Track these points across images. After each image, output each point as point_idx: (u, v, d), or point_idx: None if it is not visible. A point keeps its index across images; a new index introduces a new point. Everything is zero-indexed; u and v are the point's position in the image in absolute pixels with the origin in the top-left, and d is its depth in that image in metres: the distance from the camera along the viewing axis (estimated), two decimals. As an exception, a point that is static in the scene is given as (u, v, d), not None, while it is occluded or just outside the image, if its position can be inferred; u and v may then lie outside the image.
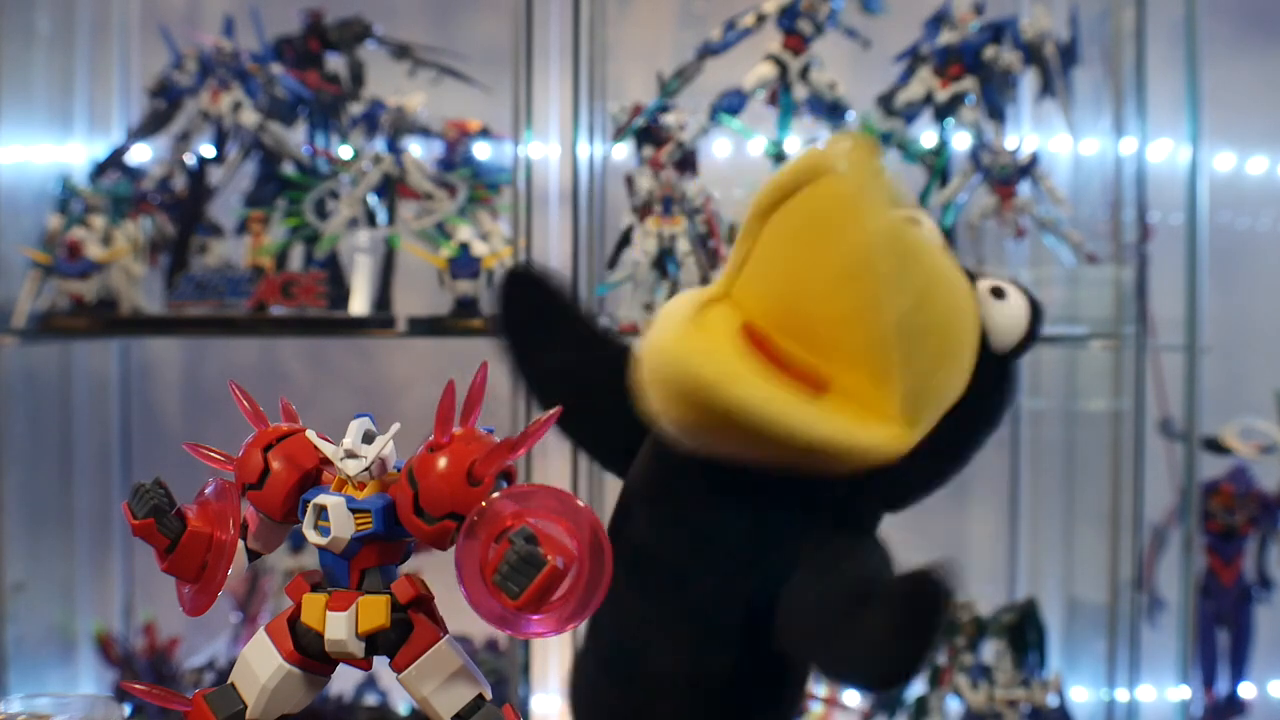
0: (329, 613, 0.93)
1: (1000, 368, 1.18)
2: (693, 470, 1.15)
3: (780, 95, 2.21)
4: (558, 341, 1.27)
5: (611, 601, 0.94)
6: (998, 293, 1.17)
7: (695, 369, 1.06)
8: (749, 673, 1.19)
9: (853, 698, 2.44)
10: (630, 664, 1.21)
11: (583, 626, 1.13)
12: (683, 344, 1.08)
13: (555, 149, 2.52)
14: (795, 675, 1.24)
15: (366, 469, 0.91)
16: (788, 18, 2.17)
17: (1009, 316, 1.17)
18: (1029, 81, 2.38)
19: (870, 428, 1.08)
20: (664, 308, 1.16)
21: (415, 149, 2.32)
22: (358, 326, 2.25)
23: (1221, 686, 2.34)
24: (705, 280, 2.06)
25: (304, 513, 0.93)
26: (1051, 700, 2.20)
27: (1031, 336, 1.19)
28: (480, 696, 0.93)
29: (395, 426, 0.93)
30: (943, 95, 2.22)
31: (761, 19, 2.19)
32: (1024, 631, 2.24)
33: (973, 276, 1.19)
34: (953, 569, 1.06)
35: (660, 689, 1.19)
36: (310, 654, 0.94)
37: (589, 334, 1.29)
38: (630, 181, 2.21)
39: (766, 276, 1.14)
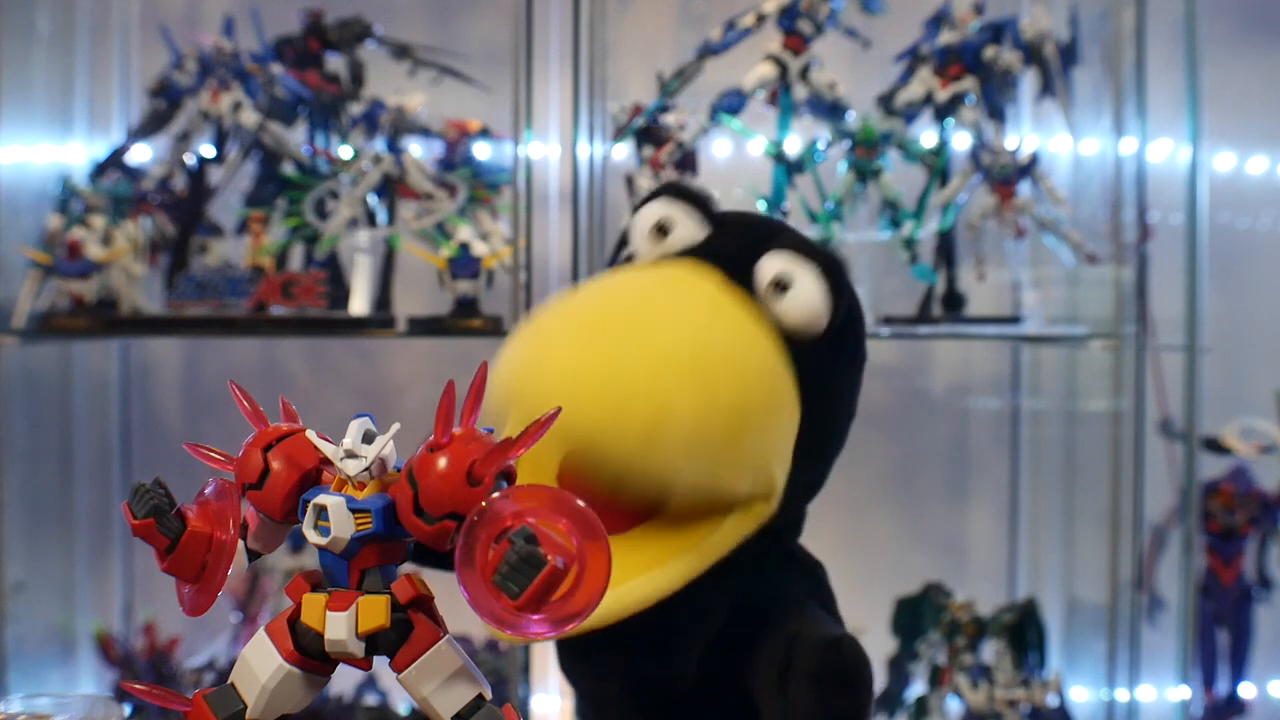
0: (329, 613, 0.93)
1: (821, 352, 1.13)
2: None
3: (780, 95, 2.21)
4: None
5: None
6: (780, 285, 1.11)
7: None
8: None
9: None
10: None
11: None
12: None
13: (555, 149, 2.52)
14: None
15: (366, 469, 0.91)
16: (788, 18, 2.17)
17: (800, 306, 1.11)
18: (1029, 81, 2.38)
19: (743, 522, 1.09)
20: None
21: (415, 149, 2.32)
22: (358, 326, 2.25)
23: (1221, 686, 2.34)
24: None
25: (304, 513, 0.93)
26: (1051, 700, 2.20)
27: (839, 306, 1.12)
28: (480, 696, 0.93)
29: (395, 426, 0.93)
30: (943, 95, 2.23)
31: (761, 19, 2.19)
32: (1024, 631, 2.24)
33: (777, 243, 1.13)
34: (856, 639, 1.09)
35: None
36: (310, 654, 0.94)
37: None
38: (630, 181, 2.21)
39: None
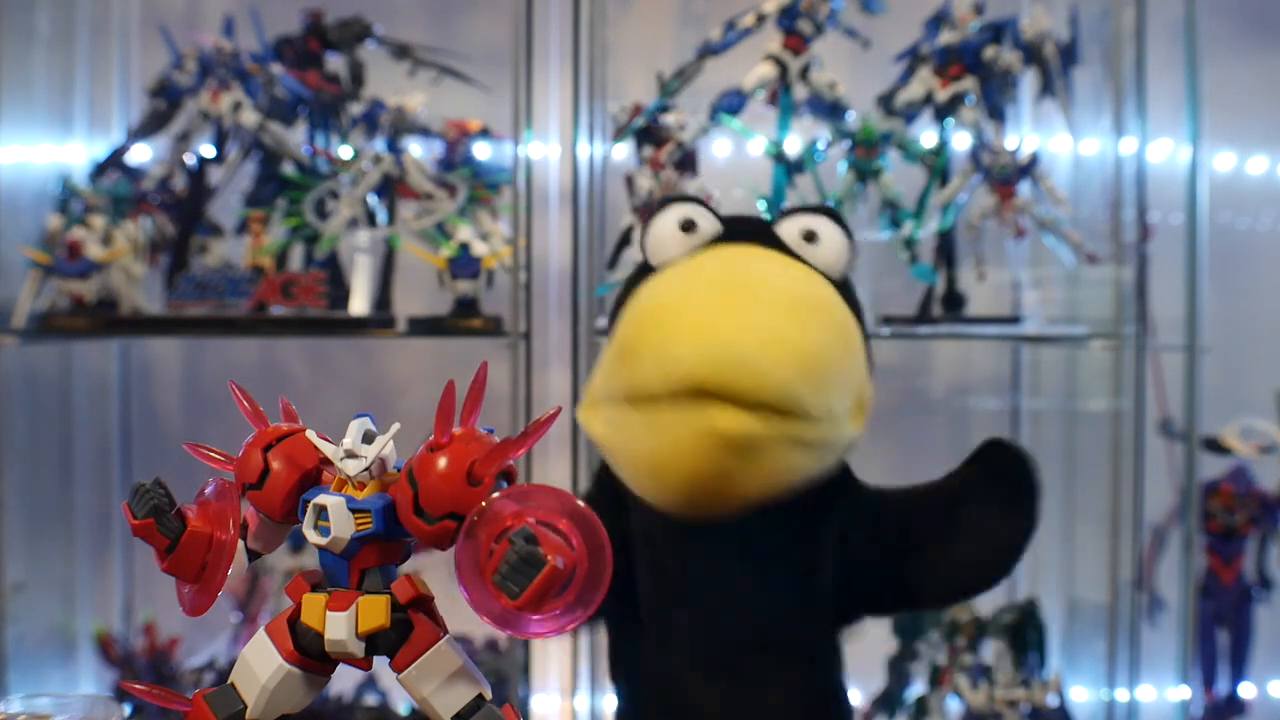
0: (329, 613, 0.93)
1: (848, 287, 1.29)
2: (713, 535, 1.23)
3: (780, 95, 2.21)
4: None
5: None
6: (809, 236, 1.28)
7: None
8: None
9: (853, 698, 2.44)
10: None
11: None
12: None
13: (555, 149, 2.52)
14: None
15: (366, 469, 0.91)
16: (788, 18, 2.17)
17: (830, 252, 1.27)
18: (1029, 81, 2.38)
19: (841, 448, 1.20)
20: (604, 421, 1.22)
21: (415, 149, 2.32)
22: (358, 326, 2.25)
23: (1221, 686, 2.34)
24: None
25: (304, 513, 0.93)
26: (1051, 700, 2.20)
27: (854, 246, 1.29)
28: (480, 696, 0.93)
29: (395, 426, 0.93)
30: (943, 95, 2.22)
31: (761, 19, 2.19)
32: (1024, 631, 2.24)
33: (784, 214, 1.30)
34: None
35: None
36: (310, 654, 0.94)
37: None
38: (630, 181, 2.21)
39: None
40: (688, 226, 1.28)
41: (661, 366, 1.13)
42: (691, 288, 1.20)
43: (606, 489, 1.30)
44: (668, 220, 1.29)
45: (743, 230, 1.30)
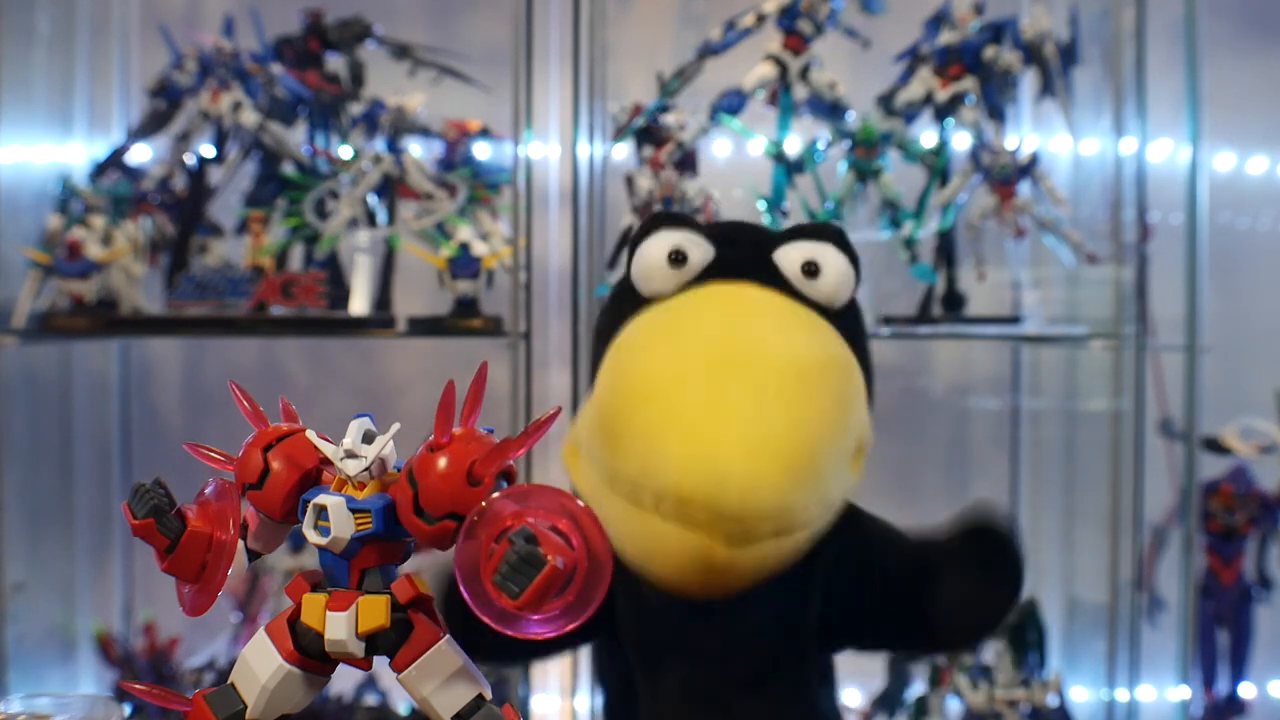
0: (329, 613, 0.93)
1: (852, 314, 1.26)
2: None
3: (780, 95, 2.21)
4: None
5: None
6: (810, 270, 1.22)
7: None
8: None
9: (852, 698, 2.44)
10: None
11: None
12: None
13: (555, 149, 2.52)
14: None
15: (366, 469, 0.91)
16: (788, 18, 2.17)
17: (831, 284, 1.22)
18: (1029, 81, 2.38)
19: (856, 470, 1.19)
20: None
21: (415, 149, 2.32)
22: (358, 326, 2.25)
23: (1221, 686, 2.34)
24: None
25: (304, 513, 0.93)
26: (1051, 700, 2.20)
27: (859, 270, 1.25)
28: (480, 696, 0.93)
29: (395, 426, 0.93)
30: (943, 95, 2.22)
31: (761, 19, 2.19)
32: (1024, 631, 2.24)
33: (785, 236, 1.24)
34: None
35: None
36: (310, 654, 0.94)
37: None
38: (630, 181, 2.21)
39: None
40: (677, 258, 1.22)
41: (646, 470, 1.11)
42: (679, 372, 1.14)
43: None
44: (656, 251, 1.23)
45: (738, 264, 1.23)
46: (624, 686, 1.31)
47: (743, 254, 1.24)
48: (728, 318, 1.19)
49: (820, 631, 1.27)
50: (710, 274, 1.23)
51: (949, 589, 1.26)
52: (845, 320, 1.23)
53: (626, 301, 1.25)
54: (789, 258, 1.23)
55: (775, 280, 1.22)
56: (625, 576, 1.17)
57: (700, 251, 1.23)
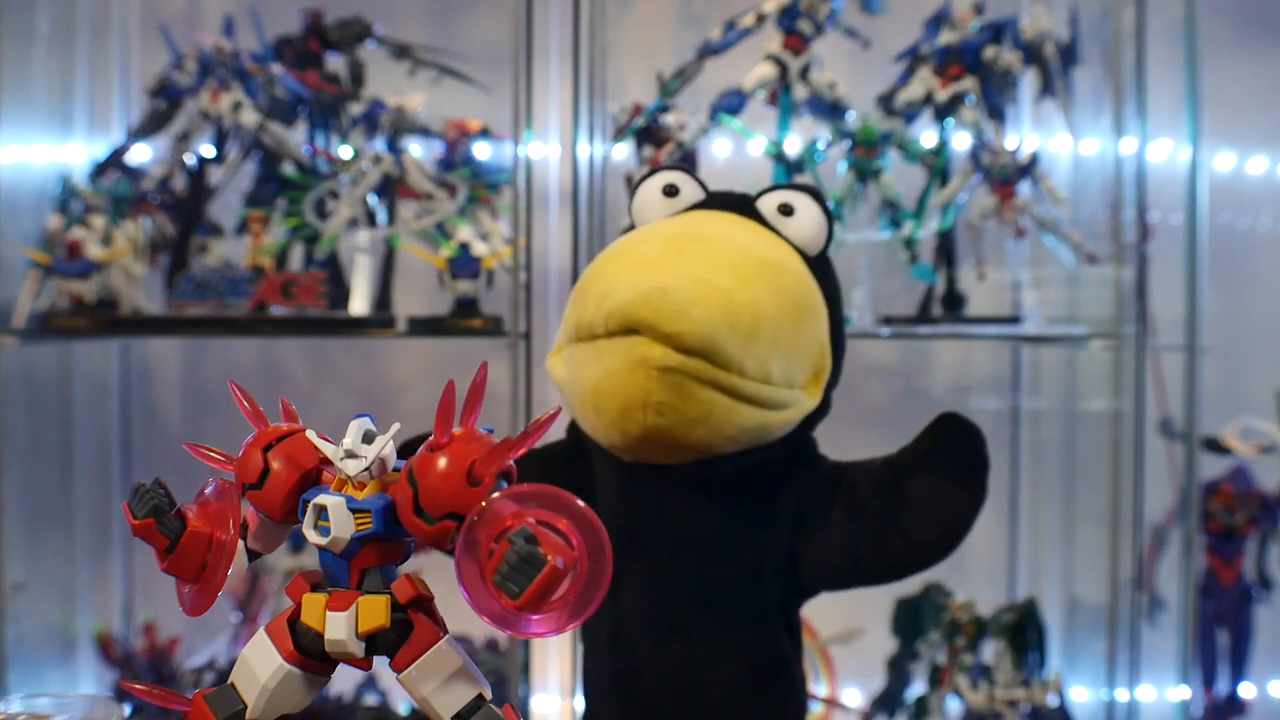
0: (329, 613, 0.93)
1: (823, 264, 1.33)
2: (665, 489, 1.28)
3: (780, 95, 2.21)
4: None
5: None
6: (785, 210, 1.32)
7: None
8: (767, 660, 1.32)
9: (852, 698, 2.44)
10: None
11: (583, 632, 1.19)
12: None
13: (555, 149, 2.52)
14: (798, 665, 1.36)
15: (366, 469, 0.91)
16: (788, 18, 2.17)
17: (805, 227, 1.31)
18: (1029, 81, 2.38)
19: (788, 413, 1.24)
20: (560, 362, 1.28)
21: (415, 149, 2.32)
22: (358, 326, 2.25)
23: (1221, 686, 2.34)
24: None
25: (304, 513, 0.93)
26: (1051, 700, 2.20)
27: (831, 225, 1.33)
28: (480, 696, 0.93)
29: (395, 426, 0.93)
30: (943, 95, 2.22)
31: (761, 19, 2.19)
32: (1024, 631, 2.24)
33: (766, 190, 1.34)
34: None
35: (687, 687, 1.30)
36: (310, 654, 0.94)
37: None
38: (630, 181, 2.21)
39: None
40: (670, 191, 1.33)
41: (600, 303, 1.19)
42: (646, 239, 1.26)
43: (575, 442, 1.36)
44: (652, 184, 1.34)
45: (723, 200, 1.34)
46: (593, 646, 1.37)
47: (730, 197, 1.36)
48: (704, 219, 1.31)
49: (793, 574, 1.32)
50: (698, 208, 1.34)
51: (917, 488, 1.31)
52: (818, 265, 1.31)
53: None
54: (768, 201, 1.33)
55: (756, 218, 1.32)
56: (602, 468, 1.31)
57: (692, 189, 1.35)
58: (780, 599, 1.34)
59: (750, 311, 1.18)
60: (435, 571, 1.03)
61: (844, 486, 1.33)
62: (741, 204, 1.33)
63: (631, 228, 1.35)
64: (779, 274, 1.24)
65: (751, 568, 1.31)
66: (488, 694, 0.93)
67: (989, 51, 2.22)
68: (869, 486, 1.33)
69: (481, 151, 2.30)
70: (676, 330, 1.14)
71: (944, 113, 2.25)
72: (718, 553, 1.29)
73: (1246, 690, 2.36)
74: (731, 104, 2.18)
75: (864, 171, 2.20)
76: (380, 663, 0.94)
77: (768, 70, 2.18)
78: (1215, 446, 2.29)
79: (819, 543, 1.32)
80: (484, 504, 0.88)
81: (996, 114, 2.27)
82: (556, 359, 1.29)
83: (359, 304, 2.24)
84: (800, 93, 2.20)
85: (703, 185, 1.36)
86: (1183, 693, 2.25)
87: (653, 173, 1.37)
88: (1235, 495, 2.29)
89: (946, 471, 1.33)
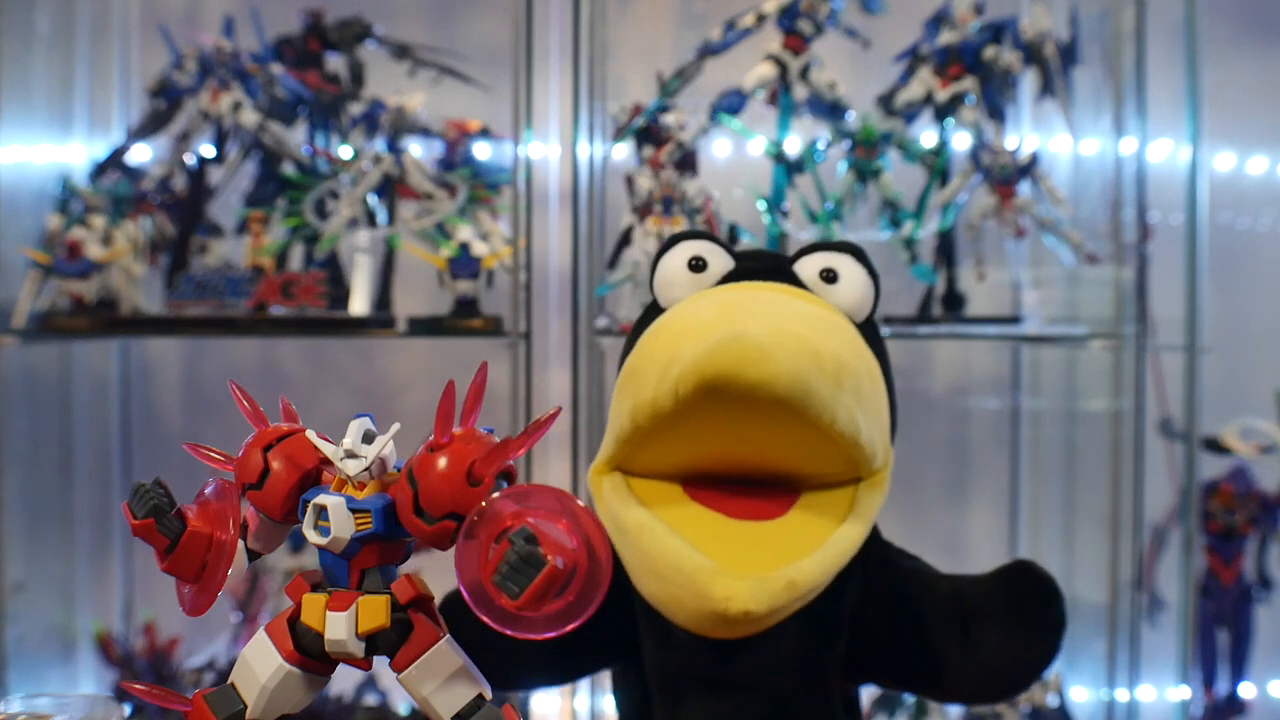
0: (329, 613, 0.93)
1: (872, 331, 1.25)
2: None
3: (780, 95, 2.21)
4: None
5: None
6: (828, 277, 1.22)
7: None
8: None
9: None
10: None
11: None
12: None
13: (555, 149, 2.52)
14: None
15: (366, 469, 0.91)
16: (788, 18, 2.17)
17: (851, 293, 1.22)
18: (1029, 81, 2.38)
19: (878, 487, 1.16)
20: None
21: (415, 149, 2.32)
22: (358, 326, 2.25)
23: (1221, 686, 2.34)
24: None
25: (304, 513, 0.93)
26: (1051, 700, 2.20)
27: (878, 288, 1.25)
28: (480, 696, 0.93)
29: (395, 426, 0.93)
30: (943, 95, 2.22)
31: (761, 19, 2.19)
32: (1024, 631, 2.24)
33: (802, 251, 1.24)
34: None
35: None
36: (310, 654, 0.94)
37: None
38: (630, 181, 2.21)
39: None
40: (696, 265, 1.23)
41: (666, 372, 1.08)
42: (694, 309, 1.15)
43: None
44: (676, 259, 1.24)
45: (756, 268, 1.24)
46: (640, 713, 1.29)
47: (762, 263, 1.25)
48: (748, 289, 1.20)
49: (851, 666, 1.24)
50: (729, 280, 1.23)
51: (984, 640, 1.22)
52: (866, 332, 1.22)
53: (649, 318, 1.24)
54: (807, 266, 1.23)
55: (795, 285, 1.22)
56: (649, 609, 1.17)
57: (720, 260, 1.24)
58: (842, 695, 1.27)
59: (833, 358, 1.08)
60: (435, 571, 1.03)
61: (904, 605, 1.24)
62: (777, 271, 1.23)
63: (655, 306, 1.25)
64: (843, 332, 1.15)
65: (817, 681, 1.22)
66: (488, 694, 0.93)
67: (989, 51, 2.22)
68: (935, 619, 1.23)
69: (481, 151, 2.30)
70: (763, 375, 1.03)
71: (944, 113, 2.25)
72: (781, 673, 1.20)
73: (1246, 690, 2.36)
74: (731, 104, 2.18)
75: (864, 171, 2.20)
76: (380, 663, 0.94)
77: (768, 70, 2.18)
78: (1215, 446, 2.29)
79: (881, 651, 1.25)
80: (484, 504, 0.88)
81: (996, 114, 2.27)
82: (599, 474, 1.18)
83: (359, 304, 2.24)
84: (800, 93, 2.20)
85: (726, 247, 1.25)
86: (1183, 693, 2.25)
87: (673, 243, 1.25)
88: (1235, 495, 2.29)
89: (1019, 627, 1.24)
